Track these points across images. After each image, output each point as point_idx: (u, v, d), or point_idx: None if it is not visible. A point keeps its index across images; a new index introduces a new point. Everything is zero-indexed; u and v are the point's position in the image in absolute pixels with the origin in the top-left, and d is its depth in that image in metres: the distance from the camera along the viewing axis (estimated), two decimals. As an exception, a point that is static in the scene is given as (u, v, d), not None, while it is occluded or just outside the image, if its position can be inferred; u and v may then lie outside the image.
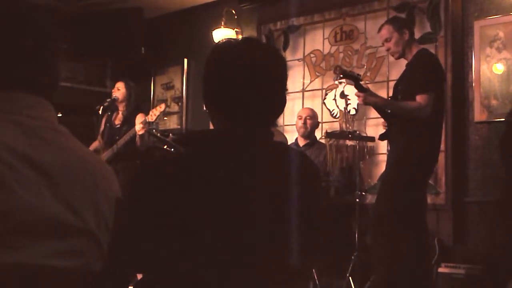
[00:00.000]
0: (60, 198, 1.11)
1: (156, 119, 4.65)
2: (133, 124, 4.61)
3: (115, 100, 4.77)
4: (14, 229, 1.06)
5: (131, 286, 1.30)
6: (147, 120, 4.55)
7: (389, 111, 3.68)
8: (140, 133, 4.51)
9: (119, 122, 4.82)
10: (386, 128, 3.77)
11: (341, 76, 3.83)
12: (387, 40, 3.67)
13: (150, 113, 4.60)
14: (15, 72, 1.17)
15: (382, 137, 3.86)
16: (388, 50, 3.74)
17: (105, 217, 1.20)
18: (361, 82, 4.87)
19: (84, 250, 1.15)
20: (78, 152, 1.19)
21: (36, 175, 1.09)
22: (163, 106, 4.74)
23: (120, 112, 4.86)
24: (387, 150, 4.37)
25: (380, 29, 3.78)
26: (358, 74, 3.85)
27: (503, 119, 4.17)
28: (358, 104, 4.74)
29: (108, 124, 4.68)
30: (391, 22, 3.73)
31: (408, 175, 3.44)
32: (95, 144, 4.76)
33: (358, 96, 3.63)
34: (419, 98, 3.42)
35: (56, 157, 1.13)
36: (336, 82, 4.95)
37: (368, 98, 3.58)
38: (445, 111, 4.35)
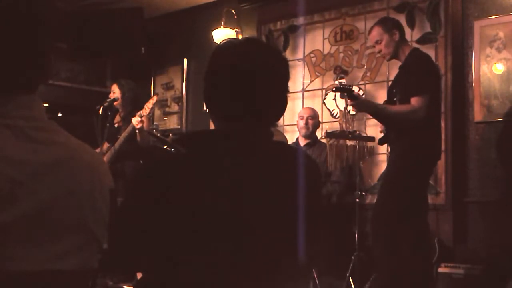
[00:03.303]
0: (58, 198, 1.11)
1: (150, 112, 4.70)
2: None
3: (114, 100, 4.82)
4: (16, 238, 1.05)
5: (131, 286, 1.30)
6: (142, 114, 4.61)
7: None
8: (138, 126, 4.55)
9: (118, 121, 4.88)
10: (385, 132, 3.75)
11: (333, 90, 3.81)
12: (377, 42, 3.63)
13: (145, 106, 4.65)
14: (15, 76, 1.15)
15: (381, 142, 3.84)
16: (379, 52, 3.70)
17: (101, 211, 1.19)
18: (361, 82, 4.90)
19: (83, 248, 1.14)
20: (71, 147, 1.18)
21: (32, 179, 1.08)
22: (155, 98, 4.82)
23: (119, 112, 4.92)
24: (387, 150, 4.37)
25: (370, 31, 3.75)
26: (349, 86, 3.82)
27: (503, 119, 4.17)
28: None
29: (108, 125, 4.71)
30: (380, 24, 3.67)
31: (409, 178, 3.43)
32: (103, 148, 4.79)
33: (351, 106, 3.60)
34: (414, 101, 3.38)
35: (50, 156, 1.11)
36: (336, 82, 4.94)
37: (359, 107, 3.54)
38: (442, 111, 4.37)
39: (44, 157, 1.10)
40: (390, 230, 3.39)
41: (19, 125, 1.11)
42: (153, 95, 4.94)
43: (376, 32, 3.62)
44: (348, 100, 3.56)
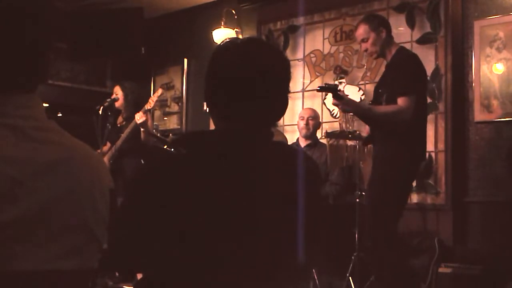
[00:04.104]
0: (58, 197, 1.11)
1: (154, 105, 4.73)
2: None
3: (115, 100, 4.83)
4: (16, 238, 1.05)
5: (131, 286, 1.30)
6: (146, 108, 4.64)
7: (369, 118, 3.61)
8: (140, 120, 4.56)
9: (121, 121, 4.90)
10: (369, 132, 3.71)
11: (318, 89, 3.72)
12: (363, 41, 3.54)
13: (149, 100, 4.68)
14: (15, 75, 1.14)
15: (366, 142, 3.81)
16: (365, 50, 3.61)
17: (101, 211, 1.19)
18: (361, 82, 4.91)
19: (83, 248, 1.14)
20: (71, 147, 1.18)
21: (32, 179, 1.08)
22: (160, 91, 4.87)
23: (122, 113, 4.97)
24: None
25: (356, 29, 3.69)
26: (335, 85, 3.75)
27: (503, 119, 4.17)
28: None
29: (108, 125, 4.72)
30: (367, 22, 3.58)
31: (398, 180, 3.39)
32: (103, 148, 4.80)
33: (335, 105, 3.52)
34: (400, 101, 3.33)
35: (50, 155, 1.11)
36: (336, 82, 4.95)
37: (344, 107, 3.46)
38: (442, 111, 4.37)
39: (44, 157, 1.10)
40: (387, 232, 3.39)
41: (18, 125, 1.11)
42: (158, 88, 4.99)
43: (363, 30, 3.54)
44: (333, 100, 3.46)
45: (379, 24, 3.54)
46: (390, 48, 3.53)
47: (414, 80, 3.38)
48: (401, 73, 3.40)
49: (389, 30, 3.57)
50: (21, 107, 1.13)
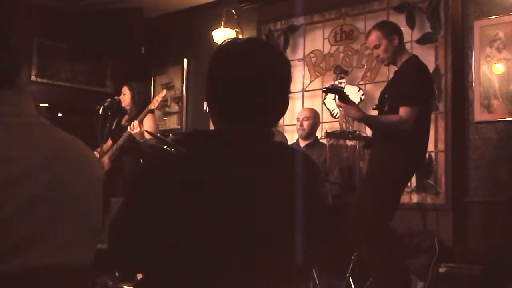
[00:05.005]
0: (51, 192, 1.11)
1: (158, 105, 4.82)
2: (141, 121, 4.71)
3: (115, 100, 4.83)
4: (11, 234, 1.05)
5: (131, 286, 1.30)
6: (150, 108, 4.69)
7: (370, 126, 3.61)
8: (135, 131, 4.59)
9: (126, 121, 4.92)
10: (372, 134, 3.71)
11: (324, 90, 3.72)
12: (376, 47, 3.53)
13: (153, 100, 4.72)
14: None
15: (366, 146, 3.82)
16: (377, 57, 3.60)
17: (94, 201, 1.20)
18: (361, 82, 4.91)
19: (79, 240, 1.15)
20: (60, 141, 1.19)
21: (24, 174, 1.08)
22: (164, 91, 4.92)
23: (128, 114, 4.99)
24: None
25: (368, 35, 3.66)
26: (341, 87, 3.75)
27: (503, 119, 4.17)
28: (358, 103, 4.73)
29: (108, 124, 4.73)
30: (380, 28, 3.56)
31: (394, 182, 3.39)
32: (103, 148, 4.81)
33: (339, 107, 3.54)
34: (402, 111, 3.32)
35: (40, 150, 1.12)
36: (336, 82, 4.95)
37: (348, 111, 3.47)
38: (442, 111, 4.38)
39: (36, 153, 1.11)
40: (385, 232, 3.39)
41: (11, 122, 1.12)
42: (163, 89, 5.04)
43: (375, 37, 3.53)
44: (337, 101, 3.49)
45: (392, 31, 3.52)
46: (401, 55, 3.52)
47: (418, 91, 3.37)
48: (406, 82, 3.39)
49: (401, 37, 3.56)
50: (10, 104, 1.14)
